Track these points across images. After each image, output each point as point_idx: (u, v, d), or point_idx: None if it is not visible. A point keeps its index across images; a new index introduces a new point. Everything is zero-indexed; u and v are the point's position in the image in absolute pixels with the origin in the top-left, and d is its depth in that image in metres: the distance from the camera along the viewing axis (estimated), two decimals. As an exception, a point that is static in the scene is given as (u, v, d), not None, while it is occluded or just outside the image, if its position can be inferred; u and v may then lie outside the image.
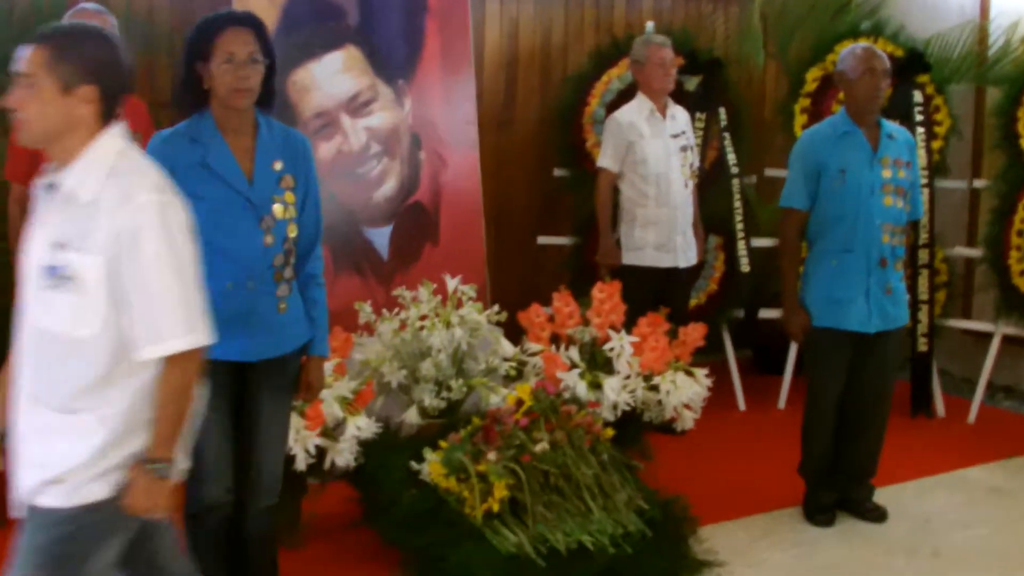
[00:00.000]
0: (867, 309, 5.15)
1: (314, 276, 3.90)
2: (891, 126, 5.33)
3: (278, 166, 3.70)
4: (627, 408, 5.27)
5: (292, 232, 3.71)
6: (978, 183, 7.44)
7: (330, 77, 6.11)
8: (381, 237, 6.23)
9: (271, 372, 3.77)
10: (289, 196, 3.71)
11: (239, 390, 3.77)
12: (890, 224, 5.18)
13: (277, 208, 3.67)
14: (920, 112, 6.99)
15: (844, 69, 5.22)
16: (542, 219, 7.72)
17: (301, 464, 4.51)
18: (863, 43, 5.51)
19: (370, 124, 6.19)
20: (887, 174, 5.19)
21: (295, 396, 3.97)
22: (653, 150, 6.36)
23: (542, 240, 7.45)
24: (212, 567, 3.84)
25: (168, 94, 6.27)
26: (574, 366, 5.36)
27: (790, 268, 5.37)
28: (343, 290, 5.98)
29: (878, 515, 5.39)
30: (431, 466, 4.53)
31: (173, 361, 2.89)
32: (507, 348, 5.37)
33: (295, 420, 4.43)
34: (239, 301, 3.62)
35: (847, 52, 5.28)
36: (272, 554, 4.05)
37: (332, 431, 4.67)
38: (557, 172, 7.40)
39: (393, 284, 5.87)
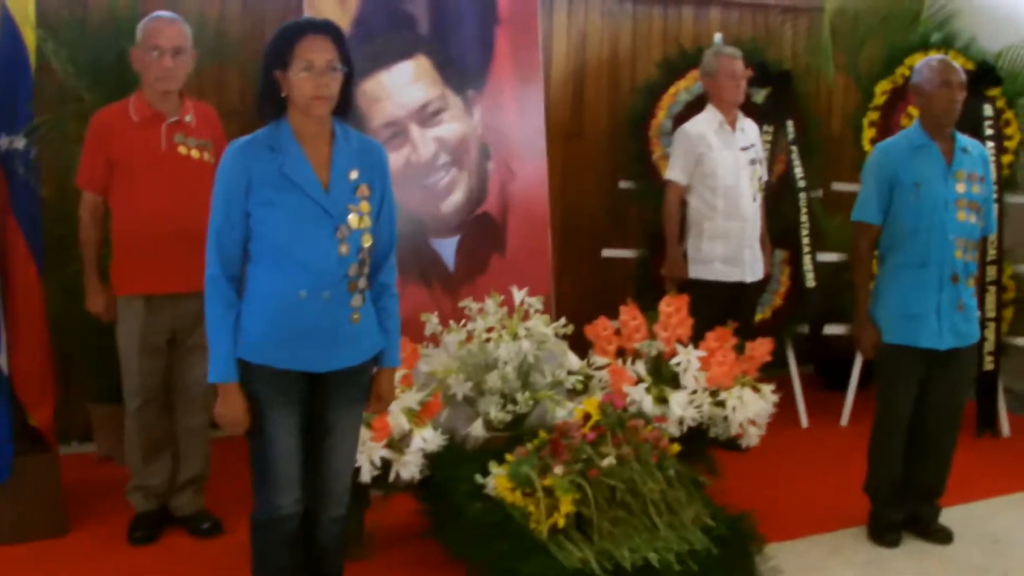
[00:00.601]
0: (938, 326, 5.10)
1: (387, 286, 3.88)
2: (965, 140, 5.28)
3: (354, 175, 3.69)
4: (693, 423, 5.22)
5: (367, 242, 3.70)
6: (1049, 198, 7.35)
7: (400, 87, 6.13)
8: (448, 248, 6.23)
9: (343, 383, 3.76)
10: (364, 205, 3.70)
11: (311, 400, 3.76)
12: (963, 239, 5.13)
13: (352, 217, 3.65)
14: (990, 126, 6.92)
15: (920, 82, 5.17)
16: (608, 231, 7.71)
17: (366, 476, 4.50)
18: (938, 55, 5.46)
19: (439, 134, 6.20)
20: (961, 188, 5.14)
21: (366, 407, 3.95)
22: (722, 162, 6.31)
23: (608, 253, 7.43)
24: (280, 576, 3.87)
25: (237, 104, 6.31)
26: (640, 380, 5.32)
27: (862, 283, 5.32)
28: (409, 301, 5.96)
29: (944, 536, 5.33)
30: (497, 479, 4.50)
31: None
32: (573, 361, 5.34)
33: (361, 431, 4.42)
34: (313, 311, 3.61)
35: (923, 64, 5.23)
36: (340, 565, 4.03)
37: (398, 443, 4.65)
38: (623, 184, 7.37)
39: (460, 295, 5.86)
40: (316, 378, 3.72)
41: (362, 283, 3.72)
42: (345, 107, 3.72)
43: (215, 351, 3.64)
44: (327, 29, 3.61)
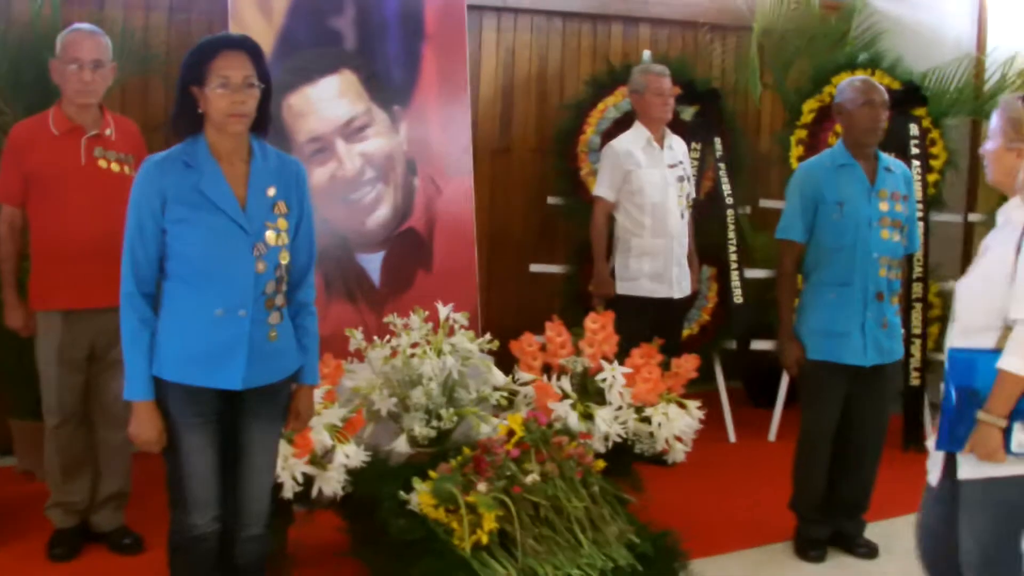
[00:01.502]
0: (863, 342, 5.14)
1: (306, 304, 3.85)
2: (889, 159, 5.32)
3: (272, 192, 3.66)
4: (618, 439, 5.22)
5: (284, 259, 3.67)
6: (973, 217, 7.45)
7: (326, 101, 6.10)
8: (374, 263, 6.20)
9: (260, 400, 3.72)
10: (282, 222, 3.67)
11: (228, 418, 3.72)
12: (887, 257, 5.17)
13: (270, 235, 3.62)
14: (916, 145, 6.99)
15: (843, 101, 5.22)
16: (536, 247, 7.72)
17: (288, 492, 4.46)
18: (861, 75, 5.51)
19: (365, 149, 6.17)
20: (884, 207, 5.18)
21: (284, 425, 3.92)
22: (650, 179, 6.32)
23: (535, 268, 7.42)
24: (199, 597, 3.82)
25: (161, 116, 6.25)
26: (566, 396, 5.31)
27: (786, 300, 5.35)
28: (335, 316, 5.95)
29: (869, 551, 5.35)
30: (420, 496, 4.47)
31: None
32: (498, 377, 5.32)
33: (283, 447, 4.37)
34: (229, 329, 3.58)
35: (846, 84, 5.28)
36: (260, 583, 4.00)
37: (320, 459, 4.62)
38: (552, 200, 7.37)
39: (385, 311, 5.81)
40: (233, 396, 3.68)
41: (279, 300, 3.69)
42: (263, 124, 3.69)
43: (130, 369, 3.60)
44: (244, 45, 3.58)
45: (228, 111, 3.52)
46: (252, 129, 3.67)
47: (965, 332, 3.64)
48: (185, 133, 3.63)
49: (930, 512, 3.88)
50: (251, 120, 3.61)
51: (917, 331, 7.02)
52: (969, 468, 3.61)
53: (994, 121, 3.71)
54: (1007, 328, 3.48)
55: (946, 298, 7.34)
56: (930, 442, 3.75)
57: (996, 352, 3.48)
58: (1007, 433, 3.47)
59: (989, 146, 3.73)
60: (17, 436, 6.08)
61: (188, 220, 3.53)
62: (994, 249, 3.65)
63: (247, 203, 3.60)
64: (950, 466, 3.71)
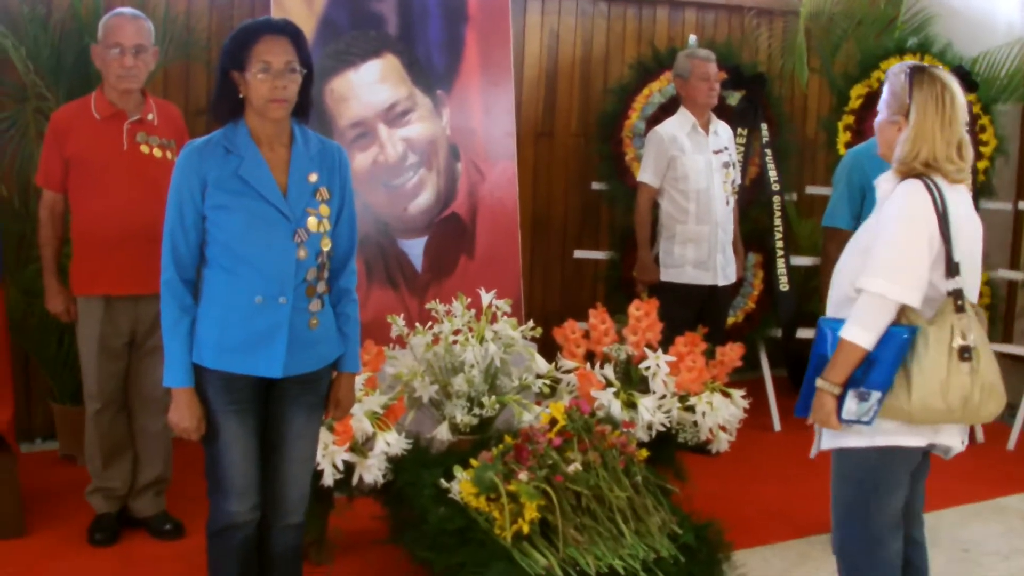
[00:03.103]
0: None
1: (348, 291, 3.82)
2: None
3: (313, 178, 3.63)
4: (662, 428, 5.17)
5: (326, 245, 3.64)
6: (1024, 205, 7.33)
7: (368, 86, 6.07)
8: (416, 249, 6.17)
9: (301, 388, 3.70)
10: (324, 209, 3.64)
11: (267, 406, 3.71)
12: (934, 246, 5.09)
13: (311, 221, 3.59)
14: (966, 131, 6.86)
15: (893, 85, 5.14)
16: (580, 233, 7.68)
17: (329, 479, 4.44)
18: (909, 60, 5.42)
19: (407, 134, 6.14)
20: (934, 195, 5.09)
21: (324, 413, 3.89)
22: (694, 166, 6.28)
23: (579, 254, 7.38)
24: (237, 585, 3.81)
25: (204, 101, 6.25)
26: (609, 385, 5.27)
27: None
28: (376, 302, 5.93)
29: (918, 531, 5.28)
30: (461, 484, 4.44)
31: None
32: (541, 365, 5.27)
33: (324, 434, 4.36)
34: (270, 316, 3.55)
35: (898, 69, 5.19)
36: (298, 572, 3.97)
37: (361, 446, 4.60)
38: (596, 186, 7.33)
39: (427, 297, 5.81)
40: (273, 384, 3.66)
41: (321, 288, 3.66)
42: (304, 109, 3.66)
43: (170, 356, 3.58)
44: (286, 30, 3.55)
45: (269, 96, 3.49)
46: (293, 114, 3.63)
47: (836, 303, 3.69)
48: (226, 118, 3.60)
49: None
50: (292, 105, 3.57)
51: (965, 320, 6.92)
52: (828, 438, 3.71)
53: (883, 92, 3.69)
54: None
55: (995, 287, 7.27)
56: None
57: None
58: (841, 400, 3.51)
59: (877, 117, 3.72)
60: (59, 421, 6.10)
61: (228, 206, 3.51)
62: (866, 221, 3.69)
63: (288, 189, 3.57)
64: (819, 436, 3.81)
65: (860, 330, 3.44)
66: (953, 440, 3.64)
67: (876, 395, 3.47)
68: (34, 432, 6.33)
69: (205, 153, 3.54)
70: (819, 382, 3.54)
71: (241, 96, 3.55)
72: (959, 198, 3.52)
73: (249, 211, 3.52)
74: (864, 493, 3.66)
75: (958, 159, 3.50)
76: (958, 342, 3.42)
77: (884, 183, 3.60)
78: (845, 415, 3.52)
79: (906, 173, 3.51)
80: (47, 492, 5.54)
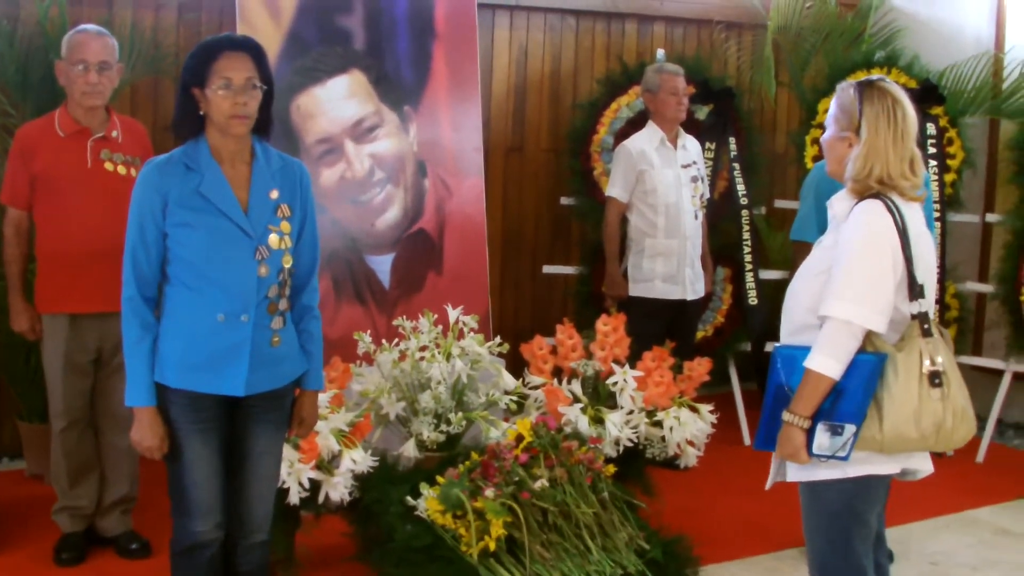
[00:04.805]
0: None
1: (310, 308, 3.80)
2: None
3: (274, 195, 3.61)
4: (630, 444, 5.17)
5: (287, 263, 3.63)
6: (991, 217, 7.36)
7: (335, 102, 6.04)
8: (384, 265, 6.14)
9: (263, 406, 3.68)
10: (285, 226, 3.62)
11: (230, 424, 3.68)
12: (901, 259, 5.09)
13: (273, 238, 3.58)
14: (933, 145, 6.91)
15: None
16: (550, 248, 7.69)
17: (295, 497, 4.42)
18: (876, 74, 5.44)
19: (374, 150, 6.11)
20: (900, 208, 5.10)
21: (288, 431, 3.88)
22: (663, 180, 6.29)
23: (549, 269, 7.38)
24: (201, 605, 3.79)
25: (172, 116, 6.21)
26: (576, 400, 5.27)
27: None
28: (344, 319, 5.90)
29: (884, 557, 5.28)
30: (428, 502, 4.44)
31: None
32: (508, 381, 5.26)
33: (289, 452, 4.34)
34: (231, 334, 3.53)
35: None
36: (263, 591, 3.96)
37: (327, 464, 4.58)
38: (565, 200, 7.33)
39: (396, 313, 5.78)
40: (236, 402, 3.64)
41: (283, 305, 3.64)
42: (265, 126, 3.65)
43: (132, 375, 3.56)
44: (246, 46, 3.55)
45: (230, 113, 3.48)
46: (254, 131, 3.62)
47: (791, 330, 3.57)
48: (187, 135, 3.59)
49: None
50: (253, 122, 3.56)
51: (934, 332, 6.93)
52: (794, 471, 3.55)
53: (831, 108, 3.58)
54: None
55: (963, 299, 7.29)
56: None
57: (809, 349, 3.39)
58: (811, 434, 3.38)
59: (825, 134, 3.61)
60: (26, 439, 6.06)
61: (189, 224, 3.49)
62: (820, 244, 3.57)
63: (249, 206, 3.56)
64: (782, 468, 3.66)
65: (827, 359, 3.31)
66: (924, 464, 3.54)
67: (851, 428, 3.33)
68: (1, 451, 6.29)
69: (166, 170, 3.53)
70: (786, 415, 3.39)
71: (202, 113, 3.53)
72: (915, 216, 3.43)
73: (210, 228, 3.50)
74: (843, 524, 3.52)
75: (911, 175, 3.41)
76: (927, 367, 3.31)
77: (839, 203, 3.49)
78: (816, 450, 3.37)
79: (860, 192, 3.42)
80: (14, 511, 5.50)
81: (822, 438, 3.36)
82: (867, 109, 3.41)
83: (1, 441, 6.29)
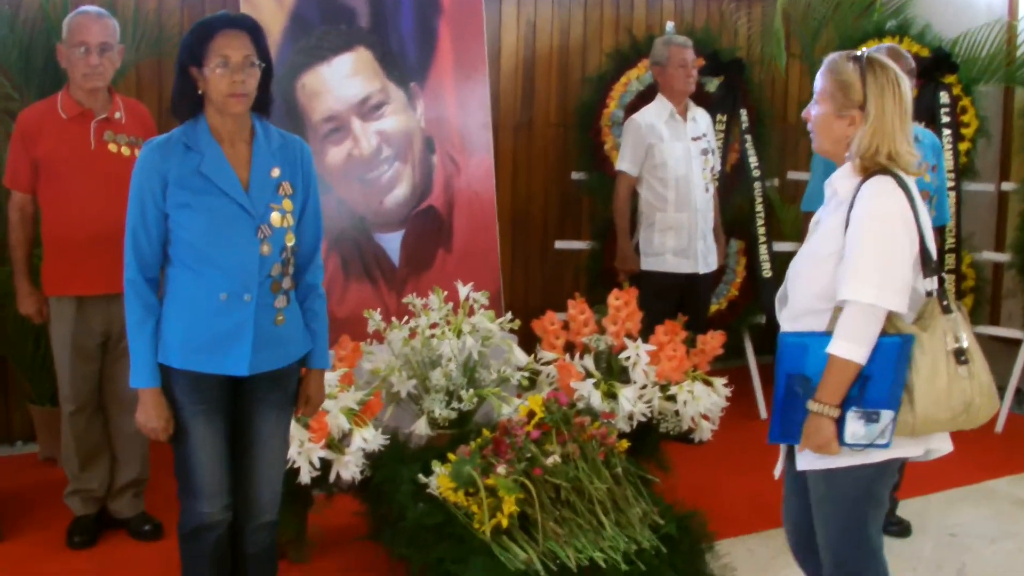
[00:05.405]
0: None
1: (314, 286, 3.78)
2: (916, 128, 5.18)
3: (276, 173, 3.58)
4: (643, 419, 5.14)
5: (290, 241, 3.60)
6: (1007, 186, 7.31)
7: (340, 80, 6.01)
8: (393, 243, 6.12)
9: (269, 386, 3.66)
10: (287, 204, 3.59)
11: (235, 405, 3.67)
12: (915, 229, 5.04)
13: (275, 217, 3.55)
14: (947, 114, 6.84)
15: (867, 69, 5.09)
16: (561, 223, 7.64)
17: (305, 477, 4.40)
18: (888, 43, 5.39)
19: (381, 128, 6.08)
20: (912, 178, 5.06)
21: (294, 410, 3.86)
22: (673, 153, 6.25)
23: (560, 245, 7.34)
24: (210, 587, 3.77)
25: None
26: (589, 375, 5.24)
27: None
28: (354, 298, 5.88)
29: (901, 529, 5.25)
30: (439, 479, 4.41)
31: None
32: (520, 357, 5.23)
33: (300, 432, 4.32)
34: (234, 314, 3.51)
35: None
36: (272, 572, 3.93)
37: (338, 443, 4.56)
38: (575, 175, 7.29)
39: (405, 291, 5.75)
40: (240, 382, 3.62)
41: (286, 284, 3.62)
42: (264, 104, 3.62)
43: (135, 356, 3.55)
44: (243, 24, 3.51)
45: (228, 91, 3.45)
46: (254, 109, 3.60)
47: (794, 315, 3.44)
48: (185, 115, 3.57)
49: (790, 505, 3.75)
50: (252, 100, 3.53)
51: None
52: (807, 460, 3.43)
53: (820, 83, 3.41)
54: (838, 309, 3.26)
55: (979, 269, 7.24)
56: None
57: (827, 335, 3.26)
58: (840, 423, 3.26)
59: (815, 111, 3.42)
60: (39, 423, 6.06)
61: (190, 204, 3.46)
62: (824, 224, 3.42)
63: (250, 185, 3.53)
64: (792, 457, 3.55)
65: (852, 344, 3.19)
66: (945, 443, 3.44)
67: (887, 414, 3.22)
68: (14, 435, 6.30)
69: (165, 151, 3.50)
70: (813, 405, 3.26)
71: (200, 92, 3.50)
72: (916, 189, 3.32)
73: (211, 208, 3.48)
74: (860, 511, 3.42)
75: (912, 149, 3.32)
76: (952, 345, 3.22)
77: (842, 181, 3.36)
78: (850, 439, 3.26)
79: (866, 169, 3.30)
80: (27, 495, 5.52)
81: (855, 426, 3.25)
82: (872, 85, 3.28)
83: (14, 425, 6.29)
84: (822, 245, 3.36)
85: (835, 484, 3.41)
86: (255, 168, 3.55)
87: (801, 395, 3.33)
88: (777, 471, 3.70)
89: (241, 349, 3.53)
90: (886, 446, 3.27)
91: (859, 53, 3.37)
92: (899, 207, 3.23)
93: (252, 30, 3.51)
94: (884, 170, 3.28)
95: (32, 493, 5.55)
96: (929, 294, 3.27)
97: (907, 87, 3.33)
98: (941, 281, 3.31)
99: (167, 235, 3.53)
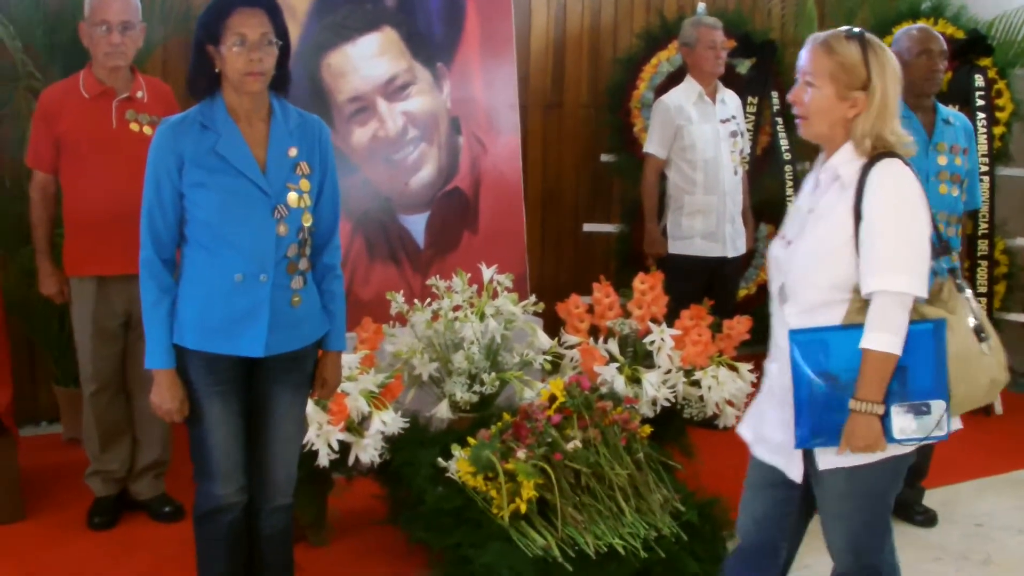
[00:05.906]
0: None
1: (332, 267, 3.75)
2: (948, 111, 5.14)
3: (293, 152, 3.55)
4: (667, 404, 5.09)
5: (307, 221, 3.56)
6: (1042, 171, 7.21)
7: (366, 60, 5.95)
8: (418, 225, 6.07)
9: (285, 368, 3.64)
10: (304, 184, 3.56)
11: (250, 386, 3.64)
12: (945, 213, 4.99)
13: (291, 197, 3.52)
14: (981, 96, 6.76)
15: (899, 50, 5.03)
16: (590, 205, 7.60)
17: (324, 460, 4.37)
18: (920, 24, 5.32)
19: (407, 108, 6.03)
20: (943, 161, 5.01)
21: (311, 392, 3.83)
22: (701, 135, 6.19)
23: (589, 228, 7.30)
24: (225, 569, 3.77)
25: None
26: (613, 360, 5.20)
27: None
28: (379, 279, 5.84)
29: (928, 519, 5.20)
30: (459, 463, 4.38)
31: None
32: (544, 341, 5.19)
33: (319, 414, 4.30)
34: (250, 294, 3.49)
35: (902, 33, 5.12)
36: (287, 555, 3.90)
37: (357, 426, 4.53)
38: (605, 157, 7.24)
39: (430, 273, 5.71)
40: (256, 364, 3.59)
41: (303, 265, 3.58)
42: (282, 83, 3.58)
43: (151, 337, 3.53)
44: (261, 2, 3.46)
45: (245, 70, 3.41)
46: (271, 88, 3.56)
47: (804, 310, 3.26)
48: (202, 94, 3.53)
49: (757, 497, 3.66)
50: (269, 78, 3.49)
51: (983, 289, 6.80)
52: (831, 457, 3.27)
53: (815, 64, 3.23)
54: (856, 301, 3.15)
55: (1013, 255, 7.16)
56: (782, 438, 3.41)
57: (847, 328, 3.15)
58: (884, 419, 3.13)
59: (810, 94, 3.24)
60: (62, 404, 6.08)
61: (206, 184, 3.43)
62: (825, 215, 3.25)
63: (267, 164, 3.50)
64: (807, 455, 3.38)
65: (888, 336, 3.07)
66: (957, 421, 3.29)
67: (940, 404, 3.11)
68: (39, 415, 6.33)
69: (181, 130, 3.47)
70: (856, 404, 3.11)
71: (217, 71, 3.47)
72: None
73: (227, 188, 3.45)
74: (886, 503, 3.35)
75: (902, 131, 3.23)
76: (972, 323, 3.16)
77: (845, 166, 3.21)
78: (899, 435, 3.13)
79: (869, 152, 3.18)
80: (50, 475, 5.54)
81: (903, 421, 3.13)
82: (875, 65, 3.18)
83: (39, 405, 6.31)
84: (832, 235, 3.21)
85: (861, 480, 3.29)
86: (272, 147, 3.52)
87: (834, 394, 3.19)
88: (796, 475, 3.44)
89: (257, 330, 3.50)
90: (944, 437, 3.18)
91: (856, 31, 3.25)
92: (915, 191, 3.14)
93: (269, 8, 3.47)
94: (889, 152, 3.18)
95: (55, 473, 5.57)
96: (938, 274, 3.20)
97: (899, 66, 3.26)
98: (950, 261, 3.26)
99: (183, 215, 3.50)
